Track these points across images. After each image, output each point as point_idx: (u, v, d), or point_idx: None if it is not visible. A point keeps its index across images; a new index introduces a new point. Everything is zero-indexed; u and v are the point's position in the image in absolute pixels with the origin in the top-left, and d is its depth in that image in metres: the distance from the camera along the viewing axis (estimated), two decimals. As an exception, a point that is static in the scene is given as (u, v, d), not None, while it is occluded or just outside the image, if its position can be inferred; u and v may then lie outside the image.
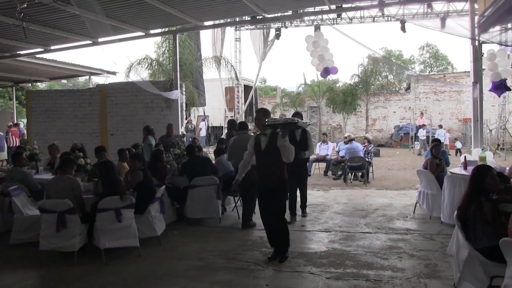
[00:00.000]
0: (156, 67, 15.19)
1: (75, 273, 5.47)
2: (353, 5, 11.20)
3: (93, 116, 12.93)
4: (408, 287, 4.81)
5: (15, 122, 21.54)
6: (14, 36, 11.94)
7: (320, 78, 22.39)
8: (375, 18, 18.46)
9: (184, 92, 12.85)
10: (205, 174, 7.65)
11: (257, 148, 5.74)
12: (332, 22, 18.53)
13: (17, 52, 14.24)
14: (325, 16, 18.03)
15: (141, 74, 15.73)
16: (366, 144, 13.07)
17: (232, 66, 18.51)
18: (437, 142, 8.42)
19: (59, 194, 5.91)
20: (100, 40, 12.57)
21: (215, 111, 26.27)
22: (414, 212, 8.30)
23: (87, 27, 10.77)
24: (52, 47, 13.59)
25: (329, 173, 13.59)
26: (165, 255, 6.09)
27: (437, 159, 8.05)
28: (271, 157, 5.58)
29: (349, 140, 12.84)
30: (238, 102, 26.54)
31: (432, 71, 45.13)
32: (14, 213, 6.75)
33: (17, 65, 16.31)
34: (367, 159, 12.23)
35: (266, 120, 5.59)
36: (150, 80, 14.04)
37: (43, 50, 13.87)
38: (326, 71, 11.12)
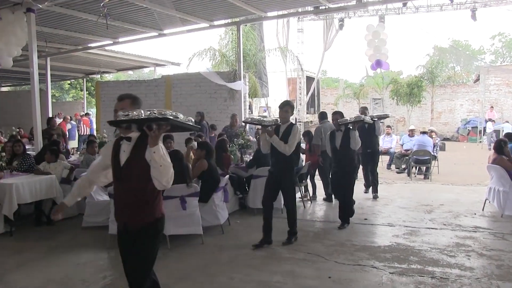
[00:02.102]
0: (219, 58, 15.37)
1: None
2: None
3: (159, 106, 13.27)
4: (478, 287, 4.62)
5: (86, 111, 22.62)
6: (86, 30, 12.51)
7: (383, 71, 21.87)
8: (443, 7, 17.75)
9: (247, 83, 12.95)
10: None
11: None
12: (398, 12, 18.02)
13: (88, 45, 14.89)
14: (389, 6, 17.56)
15: (205, 65, 16.01)
16: (433, 136, 12.65)
17: (296, 57, 18.37)
18: (506, 140, 7.98)
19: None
20: (165, 32, 12.88)
21: (277, 102, 26.29)
22: (483, 209, 7.95)
23: (153, 19, 11.09)
24: (121, 40, 14.07)
25: (393, 166, 13.28)
26: (228, 244, 6.20)
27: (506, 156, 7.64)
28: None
29: (422, 132, 12.47)
30: (300, 94, 26.40)
31: (504, 62, 42.82)
32: (86, 197, 7.11)
33: (88, 58, 17.08)
34: (432, 153, 11.83)
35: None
36: (210, 71, 14.23)
37: (112, 42, 14.40)
38: (378, 64, 10.84)
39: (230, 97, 12.07)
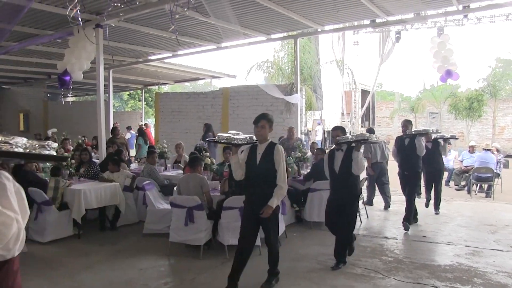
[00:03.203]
0: (274, 71, 15.53)
1: (200, 265, 5.82)
2: (486, 3, 10.41)
3: (215, 118, 13.57)
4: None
5: (144, 122, 23.39)
6: (148, 43, 12.98)
7: (441, 83, 21.31)
8: (509, 16, 17.08)
9: (303, 96, 13.00)
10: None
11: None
12: (458, 24, 17.52)
13: (149, 58, 15.42)
14: (449, 17, 17.10)
15: (261, 78, 16.22)
16: (495, 153, 12.18)
17: (351, 70, 18.27)
18: None
19: (189, 191, 6.33)
20: (223, 45, 13.15)
21: (331, 115, 26.14)
22: (552, 231, 7.58)
23: (212, 33, 11.37)
24: (179, 52, 14.48)
25: (451, 183, 12.89)
26: (285, 256, 6.19)
27: None
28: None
29: (485, 149, 12.05)
30: (355, 107, 26.16)
31: None
32: (147, 205, 7.39)
33: (147, 70, 17.68)
34: (495, 170, 11.39)
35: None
36: (268, 84, 14.38)
37: (171, 55, 14.84)
38: (448, 74, 10.52)
39: (287, 110, 12.14)
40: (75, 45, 9.33)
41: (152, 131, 21.68)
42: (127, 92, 31.37)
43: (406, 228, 7.62)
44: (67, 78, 9.32)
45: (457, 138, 10.08)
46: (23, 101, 21.94)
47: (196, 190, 6.30)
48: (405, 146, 7.85)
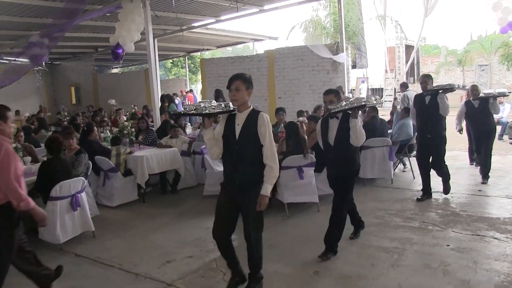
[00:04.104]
0: (317, 30, 15.34)
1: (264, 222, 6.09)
2: None
3: (262, 81, 13.66)
4: None
5: (189, 88, 23.79)
6: (191, 11, 13.12)
7: (490, 33, 20.47)
8: None
9: (349, 55, 12.89)
10: (381, 135, 7.82)
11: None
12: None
13: (192, 25, 15.56)
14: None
15: (304, 38, 16.08)
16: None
17: (398, 24, 17.76)
18: None
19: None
20: (266, 7, 13.12)
21: (374, 73, 25.70)
22: None
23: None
24: (222, 17, 14.55)
25: (505, 137, 12.61)
26: (342, 212, 6.42)
27: None
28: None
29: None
30: (399, 63, 25.57)
31: None
32: (206, 168, 7.71)
33: (190, 36, 17.85)
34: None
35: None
36: (316, 44, 14.24)
37: (214, 21, 14.92)
38: (511, 26, 10.13)
39: (333, 69, 12.08)
40: (124, 18, 9.59)
41: (198, 97, 22.11)
42: (170, 60, 31.76)
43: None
44: (120, 51, 9.62)
45: (507, 94, 8.49)
46: (73, 75, 22.67)
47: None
48: (426, 105, 6.73)
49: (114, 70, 26.89)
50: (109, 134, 8.98)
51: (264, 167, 3.82)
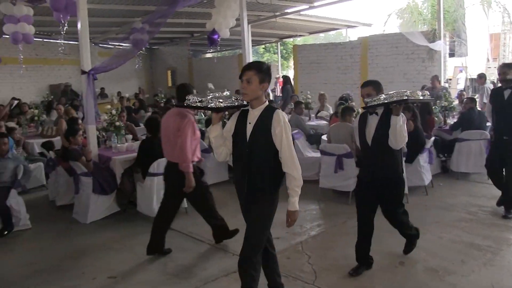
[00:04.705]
0: (415, 16, 14.81)
1: (349, 211, 6.01)
2: None
3: (354, 68, 13.50)
4: None
5: (283, 74, 23.96)
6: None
7: None
8: None
9: (447, 43, 12.32)
10: (478, 128, 7.50)
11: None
12: None
13: (285, 11, 15.63)
14: None
15: (400, 25, 15.59)
16: None
17: (505, 8, 16.52)
18: None
19: (339, 139, 6.61)
20: (361, -7, 12.89)
21: (475, 61, 24.17)
22: None
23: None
24: (316, 4, 14.48)
25: None
26: (432, 205, 6.28)
27: None
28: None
29: None
30: (505, 51, 23.81)
31: None
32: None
33: (282, 22, 17.92)
34: None
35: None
36: (412, 31, 13.77)
37: (308, 7, 14.89)
38: None
39: (429, 57, 11.64)
40: (221, 5, 9.90)
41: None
42: (263, 46, 32.12)
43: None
44: (216, 36, 9.97)
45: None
46: (170, 59, 23.75)
47: (346, 138, 6.53)
48: (505, 100, 5.58)
49: (208, 55, 27.76)
50: (203, 116, 9.35)
51: (279, 175, 3.30)
